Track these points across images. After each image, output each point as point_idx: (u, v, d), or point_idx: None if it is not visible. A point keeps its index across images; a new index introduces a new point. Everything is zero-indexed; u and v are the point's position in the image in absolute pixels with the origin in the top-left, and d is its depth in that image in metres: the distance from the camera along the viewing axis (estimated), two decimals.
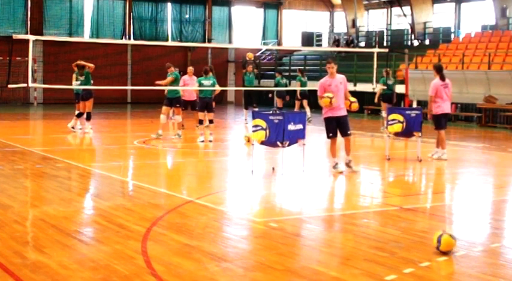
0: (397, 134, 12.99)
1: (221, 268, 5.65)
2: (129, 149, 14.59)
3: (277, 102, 22.56)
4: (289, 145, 10.88)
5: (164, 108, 16.48)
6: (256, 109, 18.76)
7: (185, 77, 18.14)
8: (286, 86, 22.98)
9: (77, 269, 5.56)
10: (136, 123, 20.13)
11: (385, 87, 19.37)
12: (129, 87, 30.92)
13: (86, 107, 17.29)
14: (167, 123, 17.29)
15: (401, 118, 12.64)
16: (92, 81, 17.24)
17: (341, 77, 11.14)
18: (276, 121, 10.53)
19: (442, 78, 12.88)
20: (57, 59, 29.63)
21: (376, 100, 20.31)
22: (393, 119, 12.76)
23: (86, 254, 6.05)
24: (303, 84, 21.95)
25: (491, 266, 5.88)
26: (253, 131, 10.76)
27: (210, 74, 15.65)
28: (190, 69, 18.02)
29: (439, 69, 13.03)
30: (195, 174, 11.38)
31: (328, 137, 11.17)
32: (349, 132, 11.16)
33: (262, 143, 10.84)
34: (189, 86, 17.34)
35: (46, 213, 7.70)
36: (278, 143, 10.62)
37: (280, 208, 8.68)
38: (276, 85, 22.77)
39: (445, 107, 12.96)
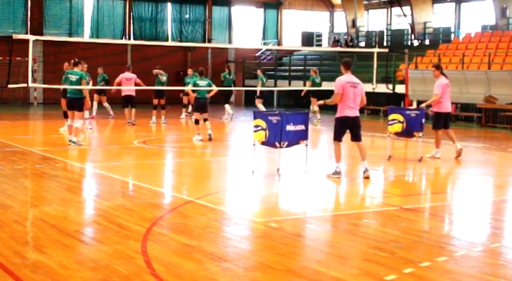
0: (397, 134, 13.00)
1: (221, 268, 5.65)
2: (129, 149, 14.58)
3: (312, 102, 21.55)
4: (287, 146, 10.55)
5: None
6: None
7: (126, 73, 19.60)
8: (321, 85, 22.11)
9: (77, 269, 5.56)
10: (137, 124, 20.11)
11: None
12: (129, 87, 30.85)
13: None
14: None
15: (401, 118, 12.65)
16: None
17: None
18: (275, 121, 10.38)
19: (446, 77, 13.12)
20: (57, 59, 29.54)
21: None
22: (393, 119, 12.76)
23: (86, 254, 6.05)
24: (316, 84, 21.73)
25: (491, 266, 5.88)
26: (254, 132, 10.73)
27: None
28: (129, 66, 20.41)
29: (441, 68, 13.34)
30: (195, 174, 11.37)
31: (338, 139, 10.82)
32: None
33: (263, 143, 10.77)
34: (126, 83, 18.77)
35: (46, 213, 7.70)
36: (276, 143, 10.43)
37: (280, 208, 8.68)
38: (313, 85, 21.81)
39: (448, 106, 13.17)
